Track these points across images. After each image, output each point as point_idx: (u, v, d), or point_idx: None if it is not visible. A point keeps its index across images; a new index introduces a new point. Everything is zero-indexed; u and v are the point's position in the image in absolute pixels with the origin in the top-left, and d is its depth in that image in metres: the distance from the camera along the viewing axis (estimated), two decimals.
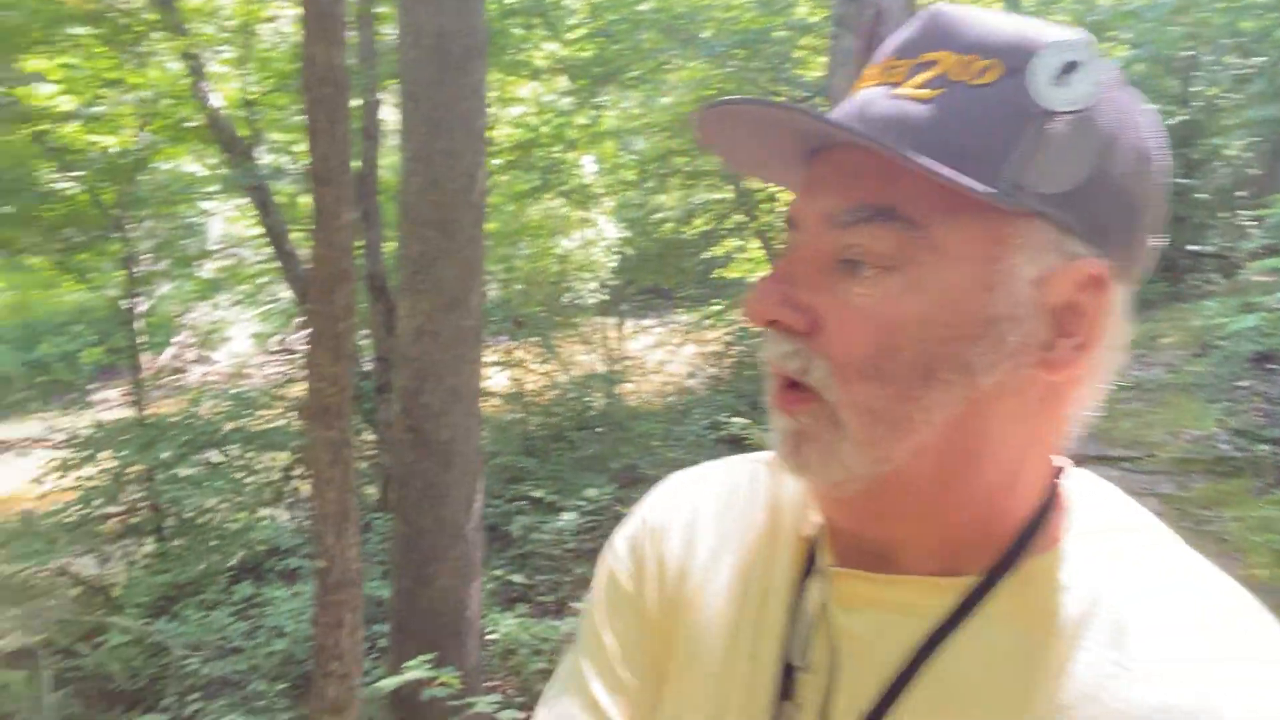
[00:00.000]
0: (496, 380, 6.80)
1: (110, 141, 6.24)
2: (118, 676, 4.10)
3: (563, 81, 7.78)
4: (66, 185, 6.35)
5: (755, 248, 9.06)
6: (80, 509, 5.49)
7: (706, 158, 8.56)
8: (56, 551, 5.29)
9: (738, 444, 5.06)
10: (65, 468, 5.66)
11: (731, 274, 9.35)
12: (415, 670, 2.33)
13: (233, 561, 5.12)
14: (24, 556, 5.22)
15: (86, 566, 5.33)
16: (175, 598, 4.60)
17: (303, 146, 6.92)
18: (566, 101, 7.82)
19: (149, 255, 7.43)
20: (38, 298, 9.79)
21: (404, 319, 2.99)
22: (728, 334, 8.09)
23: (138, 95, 6.21)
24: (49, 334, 11.50)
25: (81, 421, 6.50)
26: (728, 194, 8.78)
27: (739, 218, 8.96)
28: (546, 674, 3.41)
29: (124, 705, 3.89)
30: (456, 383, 3.01)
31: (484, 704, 2.48)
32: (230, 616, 4.21)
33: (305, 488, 6.25)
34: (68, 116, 5.98)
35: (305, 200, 7.18)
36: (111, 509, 5.60)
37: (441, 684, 2.36)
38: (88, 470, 5.60)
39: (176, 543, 5.34)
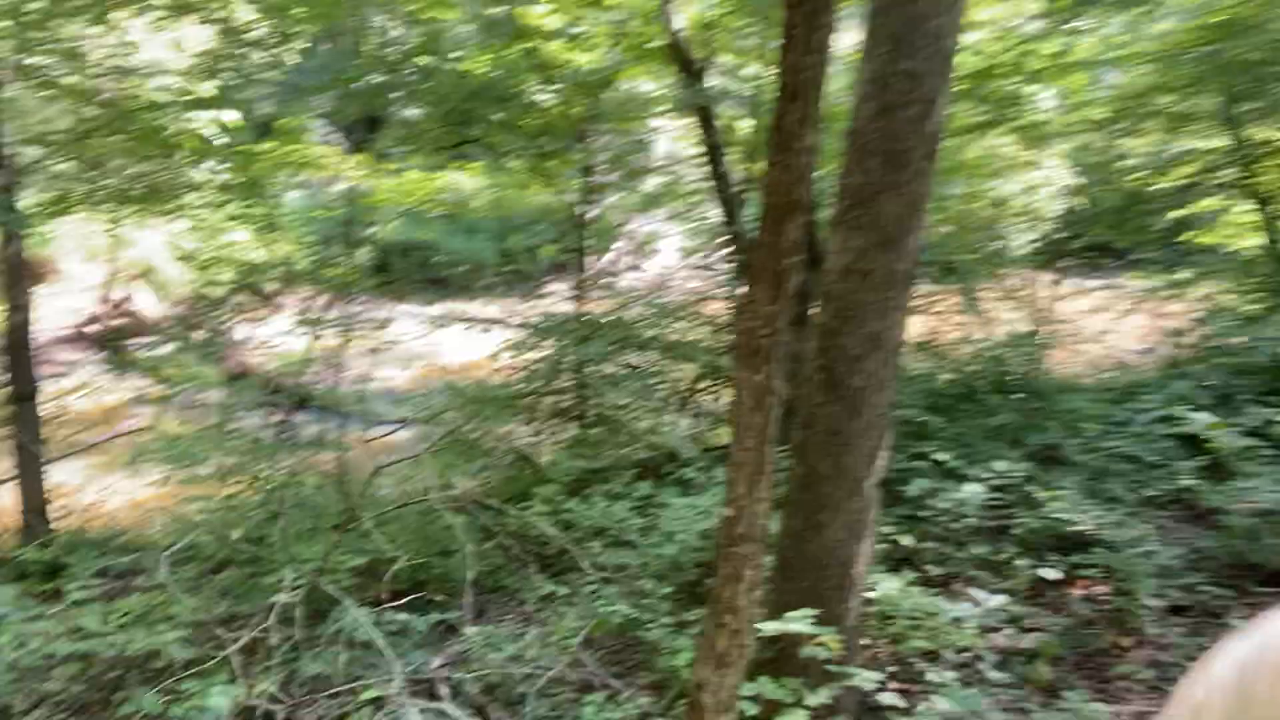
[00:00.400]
0: (910, 327, 6.44)
1: (584, 59, 6.82)
2: (533, 541, 4.63)
3: (1035, 4, 6.94)
4: (545, 98, 7.08)
5: (1246, 211, 7.51)
6: (523, 386, 6.28)
7: (1200, 98, 7.18)
8: (502, 419, 6.12)
9: (1196, 447, 4.25)
10: (516, 348, 6.49)
11: (1208, 239, 7.87)
12: (797, 623, 2.26)
13: (637, 459, 5.51)
14: (478, 418, 6.11)
15: (522, 437, 6.10)
16: (587, 482, 5.06)
17: (750, 70, 7.01)
18: (1036, 25, 6.97)
19: (603, 166, 8.10)
20: (512, 197, 11.25)
21: (833, 254, 2.85)
22: (1195, 310, 6.83)
23: (611, 16, 6.68)
24: (516, 230, 13.26)
25: (533, 309, 7.39)
26: (1222, 143, 7.31)
27: (1231, 172, 7.44)
28: (926, 654, 3.18)
29: (535, 567, 4.38)
30: (879, 329, 2.82)
31: (862, 678, 2.34)
32: (629, 511, 4.52)
33: (708, 401, 6.53)
34: (553, 35, 6.61)
35: (745, 124, 7.30)
36: (547, 391, 6.32)
37: (820, 644, 2.27)
38: (533, 354, 6.36)
39: (594, 432, 5.88)
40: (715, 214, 7.37)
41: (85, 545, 4.96)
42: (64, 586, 3.91)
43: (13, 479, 5.39)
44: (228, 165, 7.69)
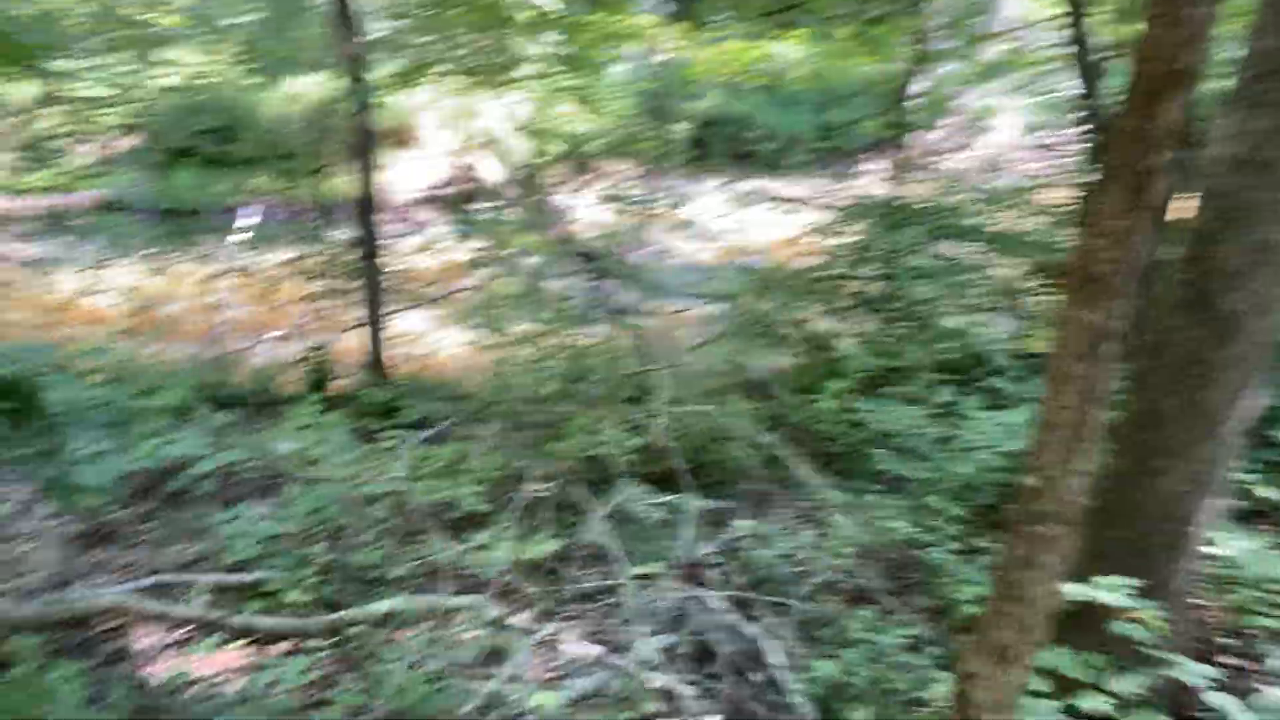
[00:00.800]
0: None
1: None
2: (818, 435, 4.44)
3: None
4: None
5: None
6: (825, 271, 5.96)
7: None
8: (799, 305, 5.88)
9: None
10: (822, 230, 6.14)
11: None
12: (1109, 592, 1.88)
13: (941, 361, 5.05)
14: (775, 301, 5.92)
15: (820, 325, 5.82)
16: (882, 381, 4.73)
17: None
18: None
19: (938, 32, 7.28)
20: (834, 67, 10.55)
21: (1223, 140, 2.24)
22: None
23: None
24: (837, 103, 12.51)
25: (844, 190, 6.95)
26: None
27: None
28: (1273, 634, 2.61)
29: (819, 464, 4.19)
30: (1275, 238, 2.20)
31: (1188, 671, 1.93)
32: (925, 419, 4.16)
33: (1034, 304, 5.81)
34: None
35: None
36: (850, 278, 5.95)
37: (1137, 620, 1.88)
38: (839, 238, 5.99)
39: (896, 327, 5.45)
40: (1069, 85, 6.36)
41: (416, 392, 5.54)
42: (385, 430, 4.39)
43: (361, 325, 6.12)
44: (561, 39, 7.87)
